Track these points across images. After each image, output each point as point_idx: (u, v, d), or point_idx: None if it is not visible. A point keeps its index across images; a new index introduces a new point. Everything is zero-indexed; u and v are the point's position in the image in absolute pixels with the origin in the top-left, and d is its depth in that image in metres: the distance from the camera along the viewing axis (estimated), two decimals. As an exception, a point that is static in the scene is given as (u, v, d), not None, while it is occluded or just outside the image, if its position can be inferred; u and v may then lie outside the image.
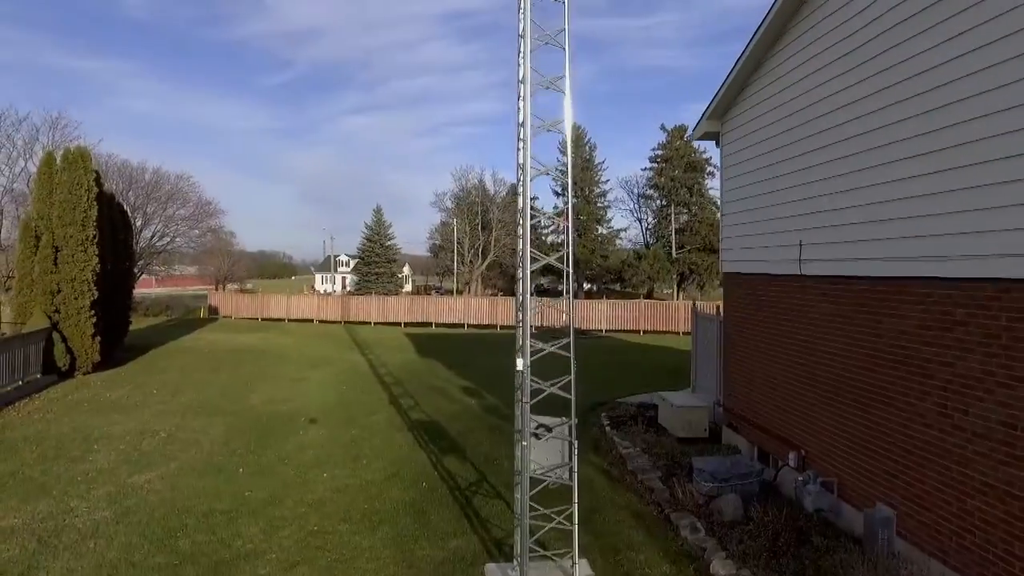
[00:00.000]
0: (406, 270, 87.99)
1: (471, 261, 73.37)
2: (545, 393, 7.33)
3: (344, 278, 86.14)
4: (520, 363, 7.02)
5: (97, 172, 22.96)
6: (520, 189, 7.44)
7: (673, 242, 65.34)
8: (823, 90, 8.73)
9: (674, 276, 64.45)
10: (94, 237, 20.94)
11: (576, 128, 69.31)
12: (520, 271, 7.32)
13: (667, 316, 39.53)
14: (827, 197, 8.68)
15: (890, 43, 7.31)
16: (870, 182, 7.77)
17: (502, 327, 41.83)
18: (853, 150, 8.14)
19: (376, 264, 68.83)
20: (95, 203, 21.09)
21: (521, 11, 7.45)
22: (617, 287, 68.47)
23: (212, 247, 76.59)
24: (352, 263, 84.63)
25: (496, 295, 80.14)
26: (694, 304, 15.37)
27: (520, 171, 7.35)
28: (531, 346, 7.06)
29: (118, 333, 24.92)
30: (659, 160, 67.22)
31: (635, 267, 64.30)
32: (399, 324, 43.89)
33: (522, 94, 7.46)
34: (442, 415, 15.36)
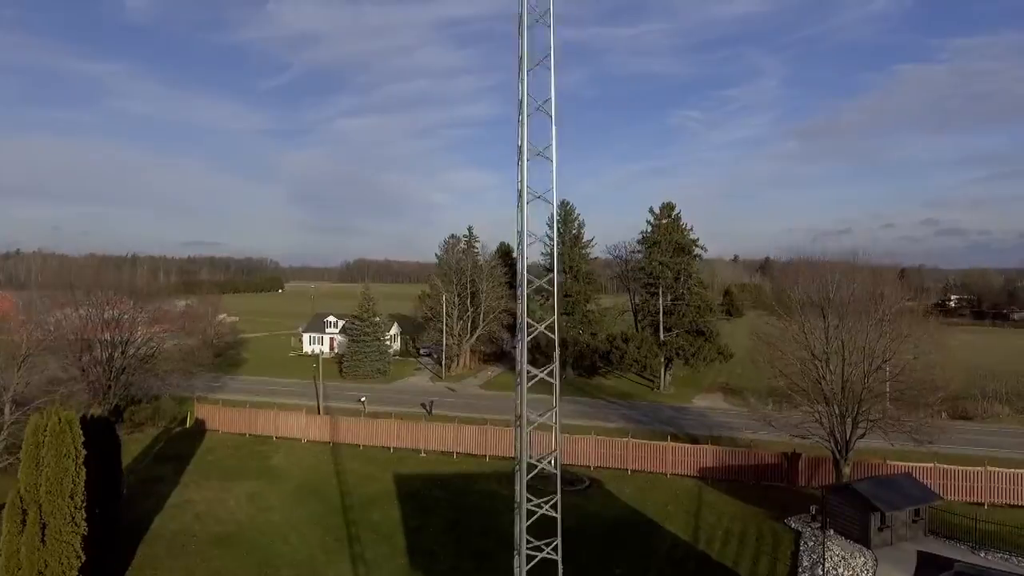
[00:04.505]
0: (394, 329, 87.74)
1: (460, 334, 73.39)
2: None
3: (332, 339, 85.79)
4: None
5: (84, 416, 22.91)
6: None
7: (661, 325, 65.64)
8: None
9: (661, 359, 64.83)
10: (83, 503, 20.91)
11: (564, 204, 69.50)
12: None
13: (654, 456, 39.80)
14: None
15: None
16: None
17: (491, 457, 41.96)
18: None
19: (365, 343, 68.66)
20: (83, 468, 21.03)
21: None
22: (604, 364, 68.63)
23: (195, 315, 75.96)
24: (340, 324, 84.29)
25: (485, 362, 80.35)
26: None
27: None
28: None
29: (109, 551, 24.77)
30: (647, 243, 67.48)
31: (622, 350, 64.60)
32: (388, 448, 43.90)
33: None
34: None
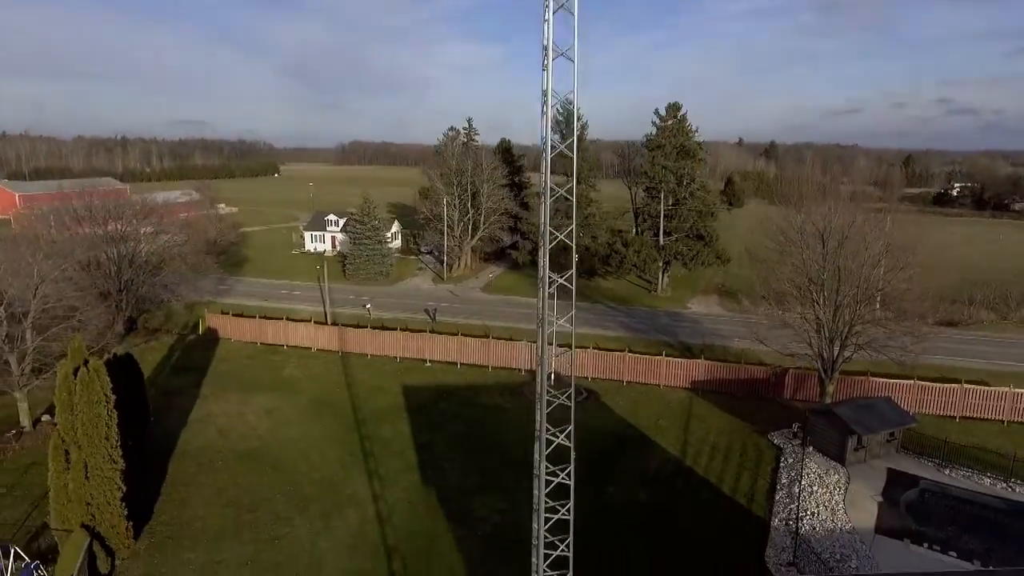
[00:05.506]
0: (395, 227, 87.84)
1: (460, 235, 73.78)
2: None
3: (334, 237, 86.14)
4: None
5: (108, 360, 24.07)
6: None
7: (661, 229, 65.92)
8: None
9: (660, 263, 65.74)
10: (117, 442, 22.57)
11: (567, 104, 67.29)
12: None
13: (649, 369, 41.74)
14: None
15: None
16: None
17: (493, 368, 44.00)
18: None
19: (367, 246, 69.13)
20: (115, 412, 22.46)
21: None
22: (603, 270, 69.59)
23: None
24: (341, 223, 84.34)
25: (485, 261, 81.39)
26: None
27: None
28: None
29: (144, 476, 26.94)
30: (651, 146, 66.13)
31: (622, 254, 65.37)
32: (395, 358, 45.82)
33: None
34: None
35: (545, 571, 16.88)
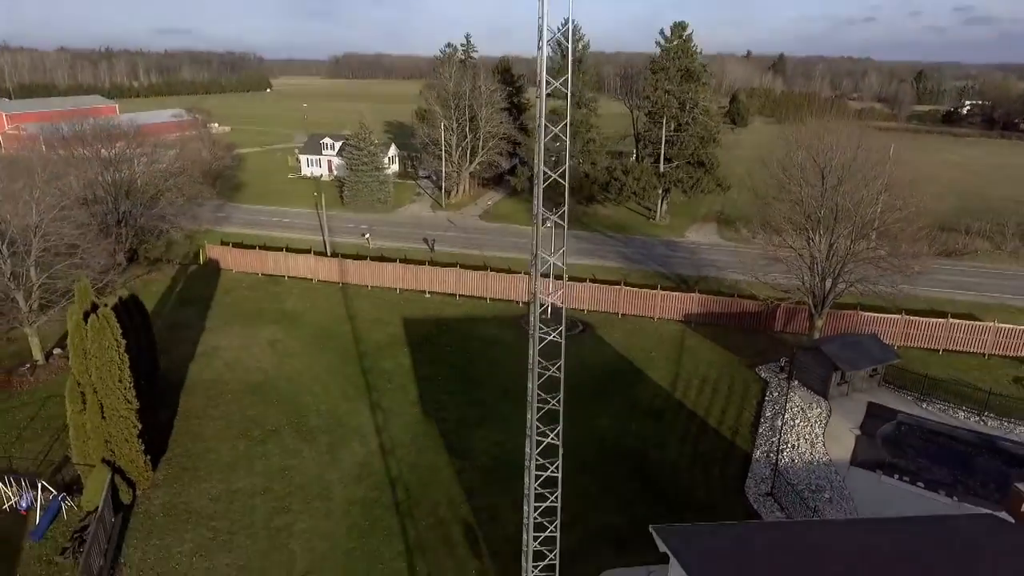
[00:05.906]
0: (392, 151, 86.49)
1: (459, 161, 72.86)
2: None
3: (330, 161, 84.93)
4: None
5: (116, 305, 24.68)
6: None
7: (662, 156, 65.06)
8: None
9: (660, 191, 65.35)
10: (131, 384, 23.57)
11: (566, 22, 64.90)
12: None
13: (644, 302, 42.55)
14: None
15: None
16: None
17: (491, 299, 44.85)
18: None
19: (364, 172, 68.34)
20: (126, 355, 23.31)
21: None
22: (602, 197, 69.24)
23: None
24: (337, 146, 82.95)
25: (484, 186, 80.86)
26: None
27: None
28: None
29: (157, 410, 28.26)
30: (655, 70, 64.11)
31: (621, 181, 64.85)
32: (395, 289, 46.59)
33: None
34: None
35: (536, 488, 17.97)
